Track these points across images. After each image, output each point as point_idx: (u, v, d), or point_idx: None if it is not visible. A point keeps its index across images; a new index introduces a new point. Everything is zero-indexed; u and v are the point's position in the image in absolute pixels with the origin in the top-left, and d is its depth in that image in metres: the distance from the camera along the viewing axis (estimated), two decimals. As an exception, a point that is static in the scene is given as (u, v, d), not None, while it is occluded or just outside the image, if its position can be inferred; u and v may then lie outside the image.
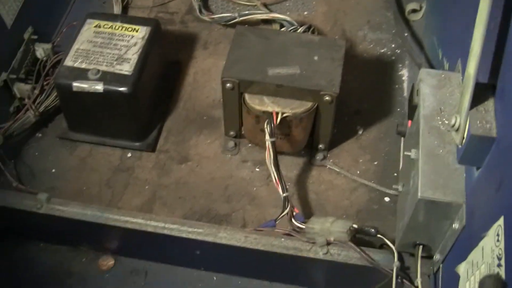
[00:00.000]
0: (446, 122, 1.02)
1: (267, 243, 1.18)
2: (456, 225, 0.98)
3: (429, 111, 1.04)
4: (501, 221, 0.77)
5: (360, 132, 1.50)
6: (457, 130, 0.92)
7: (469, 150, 0.89)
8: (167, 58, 1.62)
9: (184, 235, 1.20)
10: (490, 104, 0.88)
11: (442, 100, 1.05)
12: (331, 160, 1.45)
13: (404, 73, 1.63)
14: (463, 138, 0.91)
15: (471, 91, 0.85)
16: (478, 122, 0.86)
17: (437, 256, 1.09)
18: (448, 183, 0.97)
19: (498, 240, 0.77)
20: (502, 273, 0.74)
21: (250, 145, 1.47)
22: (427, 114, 1.04)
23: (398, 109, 1.55)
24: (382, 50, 1.67)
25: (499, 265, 0.75)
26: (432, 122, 1.03)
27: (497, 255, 0.77)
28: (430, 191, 0.97)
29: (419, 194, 0.96)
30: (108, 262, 1.34)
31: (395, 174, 1.41)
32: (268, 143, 1.25)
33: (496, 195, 0.82)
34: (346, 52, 1.39)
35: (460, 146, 0.93)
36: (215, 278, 1.31)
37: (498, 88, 0.88)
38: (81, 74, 1.36)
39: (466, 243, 0.93)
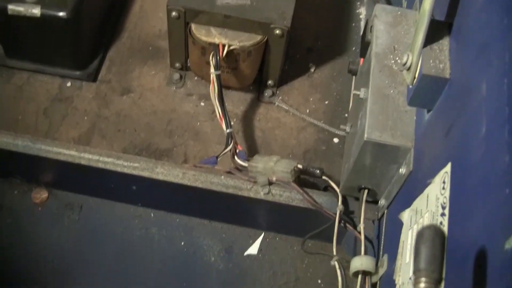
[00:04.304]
0: (399, 61, 0.96)
1: (206, 181, 1.12)
2: (403, 170, 0.93)
3: (381, 49, 0.98)
4: (448, 168, 0.72)
5: (312, 70, 1.44)
6: (409, 69, 0.86)
7: (420, 91, 0.84)
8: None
9: (119, 169, 1.13)
10: (445, 43, 0.83)
11: (397, 38, 0.99)
12: (280, 97, 1.39)
13: (362, 11, 1.57)
14: (414, 78, 0.85)
15: (425, 28, 0.79)
16: (431, 61, 0.81)
17: (382, 202, 1.05)
18: (397, 125, 0.92)
19: (443, 188, 0.72)
20: (445, 223, 0.70)
21: (196, 78, 1.41)
22: (380, 52, 0.98)
23: (354, 48, 1.49)
24: (341, -15, 1.60)
25: (442, 215, 0.71)
26: (384, 60, 0.97)
27: (441, 204, 0.72)
28: (377, 133, 0.91)
29: (365, 135, 0.91)
30: (41, 195, 1.27)
31: (346, 115, 1.36)
32: (212, 76, 1.19)
33: (444, 140, 0.77)
34: (303, -15, 1.32)
35: (410, 86, 0.87)
36: (152, 215, 1.26)
37: (455, 26, 0.82)
38: (18, -4, 1.26)
39: (412, 189, 0.88)
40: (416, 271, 0.52)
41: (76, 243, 1.23)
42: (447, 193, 0.71)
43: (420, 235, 0.53)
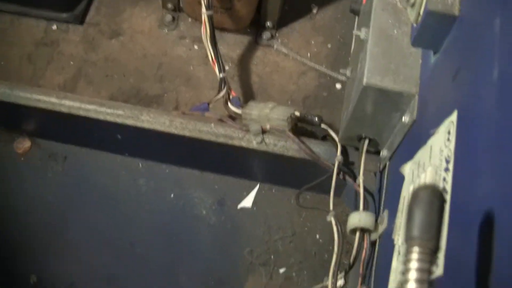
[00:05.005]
0: (404, -3, 0.86)
1: (194, 129, 1.04)
2: (406, 119, 0.85)
3: (385, -16, 0.89)
4: (453, 116, 0.64)
5: (315, 11, 1.35)
6: (413, 5, 0.76)
7: (425, 29, 0.74)
8: None
9: (101, 117, 1.05)
10: (454, -25, 0.73)
11: (402, -28, 0.89)
12: (279, 40, 1.30)
13: None
14: (419, 15, 0.76)
15: (432, -43, 0.69)
16: (437, -5, 0.71)
17: (384, 152, 0.97)
18: (400, 69, 0.83)
19: (448, 140, 0.64)
20: (449, 179, 0.61)
21: (189, 20, 1.31)
22: (383, -13, 0.88)
23: (359, -14, 1.39)
24: None
25: (446, 170, 0.63)
26: (388, -3, 0.88)
27: (445, 157, 0.64)
28: (378, 77, 0.82)
29: (364, 79, 0.82)
30: (24, 144, 1.20)
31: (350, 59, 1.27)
32: (204, 16, 1.09)
33: (451, 86, 0.68)
34: None
35: (415, 25, 0.78)
36: (140, 165, 1.19)
37: (465, -45, 0.72)
38: None
39: (415, 140, 0.80)
40: (409, 239, 0.43)
41: (60, 195, 1.17)
42: (452, 145, 0.63)
43: (415, 196, 0.45)
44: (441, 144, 0.66)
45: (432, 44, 0.76)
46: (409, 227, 0.43)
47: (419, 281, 0.42)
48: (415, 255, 0.42)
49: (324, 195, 1.13)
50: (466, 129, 0.60)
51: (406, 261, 0.43)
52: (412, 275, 0.42)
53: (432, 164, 0.68)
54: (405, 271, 0.42)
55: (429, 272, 0.42)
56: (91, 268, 1.13)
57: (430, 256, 0.42)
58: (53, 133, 1.18)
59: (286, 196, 1.16)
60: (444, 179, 0.62)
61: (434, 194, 0.44)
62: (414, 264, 0.42)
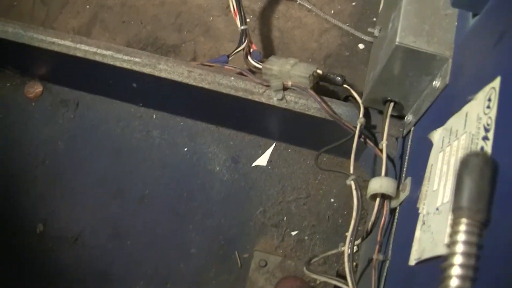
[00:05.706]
0: (443, -46, 0.82)
1: (213, 81, 1.00)
2: (437, 83, 0.81)
3: None
4: (496, 83, 0.60)
5: (341, -35, 1.30)
6: (456, -39, 0.72)
7: (468, -12, 0.70)
8: None
9: (118, 63, 1.01)
10: None
11: None
12: (302, -5, 1.25)
13: None
14: (462, -29, 0.71)
15: None
16: (484, -49, 0.67)
17: (409, 117, 0.93)
18: (434, 31, 0.79)
19: (488, 107, 0.60)
20: (488, 149, 0.58)
21: (211, -32, 1.27)
22: None
23: None
24: None
25: (485, 138, 0.59)
26: (426, -48, 0.83)
27: (484, 126, 0.60)
28: (411, 38, 0.79)
29: (397, 39, 0.78)
30: (35, 89, 1.17)
31: (375, 19, 1.23)
32: (227, -35, 1.05)
33: (493, 50, 0.64)
34: None
35: (456, -17, 0.74)
36: (154, 117, 1.15)
37: None
38: None
39: (447, 105, 0.76)
40: (457, 209, 0.40)
41: (70, 142, 1.14)
42: (492, 113, 0.59)
43: (464, 163, 0.41)
44: (479, 111, 0.62)
45: (474, 5, 0.72)
46: (457, 196, 0.40)
47: (466, 254, 0.39)
48: (463, 226, 0.39)
49: (341, 158, 1.10)
50: (510, 97, 0.57)
51: (453, 233, 0.40)
52: (459, 248, 0.39)
53: (467, 131, 0.65)
54: (451, 244, 0.39)
55: (478, 246, 0.39)
56: (98, 219, 1.11)
57: (479, 229, 0.39)
58: (66, 79, 1.15)
59: (302, 157, 1.13)
60: (482, 148, 0.59)
61: (485, 161, 0.40)
62: (461, 237, 0.39)
